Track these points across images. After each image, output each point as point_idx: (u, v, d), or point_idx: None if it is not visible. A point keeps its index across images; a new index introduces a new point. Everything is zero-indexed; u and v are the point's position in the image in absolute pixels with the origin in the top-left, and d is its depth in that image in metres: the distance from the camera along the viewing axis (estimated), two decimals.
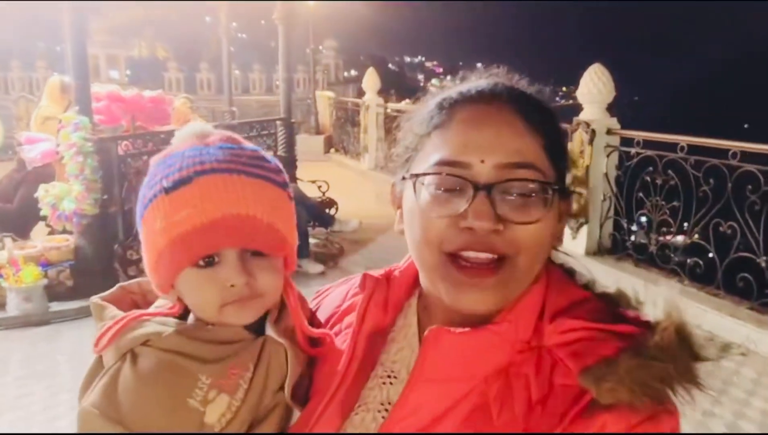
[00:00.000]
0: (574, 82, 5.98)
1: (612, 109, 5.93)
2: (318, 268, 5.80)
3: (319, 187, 7.64)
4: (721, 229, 4.79)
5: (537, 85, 0.83)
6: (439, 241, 0.76)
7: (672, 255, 5.25)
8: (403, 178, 0.83)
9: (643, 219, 5.58)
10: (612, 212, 5.79)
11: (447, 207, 0.75)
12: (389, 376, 0.83)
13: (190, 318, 0.88)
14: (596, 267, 5.22)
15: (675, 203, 5.21)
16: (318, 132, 14.54)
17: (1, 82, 15.37)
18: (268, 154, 0.90)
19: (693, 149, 5.09)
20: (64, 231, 5.34)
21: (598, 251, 5.79)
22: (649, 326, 0.71)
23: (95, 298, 0.90)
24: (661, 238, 5.39)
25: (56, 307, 4.86)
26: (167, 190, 0.81)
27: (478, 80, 0.84)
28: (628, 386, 0.66)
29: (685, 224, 5.19)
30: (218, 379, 0.81)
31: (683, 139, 5.17)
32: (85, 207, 5.00)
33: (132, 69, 18.52)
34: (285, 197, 0.87)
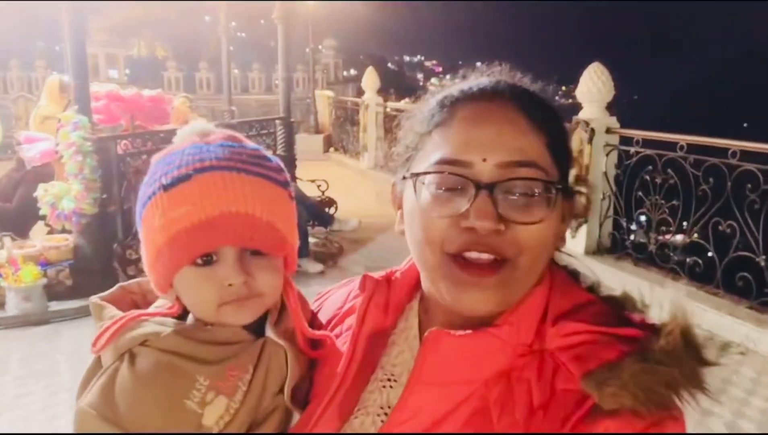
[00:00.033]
0: (574, 81, 5.98)
1: (611, 108, 5.93)
2: (317, 267, 5.80)
3: (319, 186, 7.64)
4: (720, 228, 4.79)
5: (540, 83, 0.82)
6: (440, 241, 0.75)
7: (671, 254, 5.25)
8: (404, 178, 0.81)
9: (643, 218, 5.58)
10: (611, 211, 5.79)
11: (448, 206, 0.74)
12: (389, 380, 0.82)
13: (190, 318, 0.87)
14: (595, 266, 5.20)
15: (674, 202, 5.21)
16: (317, 131, 14.54)
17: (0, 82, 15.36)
18: (270, 154, 0.89)
19: (692, 148, 5.09)
20: (64, 230, 5.33)
21: (597, 250, 5.79)
22: (654, 330, 0.70)
23: (94, 298, 0.90)
24: (660, 237, 5.39)
25: (55, 306, 4.85)
26: (166, 187, 0.80)
27: (480, 78, 0.82)
28: (632, 391, 0.65)
29: (685, 223, 5.19)
30: (216, 380, 0.80)
31: (683, 138, 5.17)
32: (84, 206, 4.99)
33: (131, 68, 18.50)
34: (285, 196, 0.86)
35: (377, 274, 0.89)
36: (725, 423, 3.38)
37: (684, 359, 0.67)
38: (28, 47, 18.76)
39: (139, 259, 0.89)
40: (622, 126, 5.82)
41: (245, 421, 0.81)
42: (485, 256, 0.73)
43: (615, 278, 5.01)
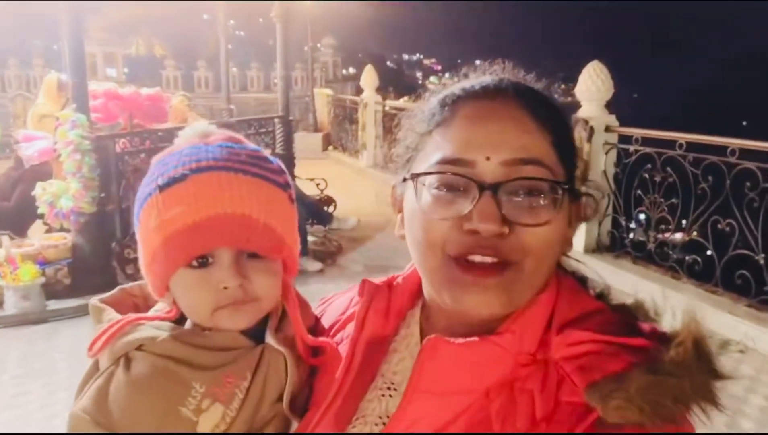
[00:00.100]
0: (573, 80, 5.97)
1: (610, 106, 5.93)
2: (316, 265, 5.79)
3: (318, 184, 7.64)
4: (719, 226, 4.80)
5: (544, 81, 0.80)
6: (441, 244, 0.72)
7: (670, 252, 5.25)
8: (404, 180, 0.79)
9: (642, 216, 5.58)
10: (610, 210, 5.79)
11: (450, 208, 0.71)
12: (389, 388, 0.79)
13: (188, 323, 0.85)
14: (595, 265, 5.17)
15: (673, 200, 5.21)
16: (316, 130, 14.53)
17: None
18: (271, 155, 0.87)
19: (692, 146, 5.09)
20: (62, 229, 5.33)
21: (596, 249, 5.79)
22: (664, 339, 0.66)
23: (94, 300, 0.88)
24: (659, 236, 5.39)
25: (54, 305, 4.85)
26: (161, 188, 0.78)
27: (483, 76, 0.80)
28: (638, 404, 0.61)
29: (684, 221, 5.20)
30: (213, 387, 0.78)
31: (682, 137, 5.17)
32: (82, 205, 4.99)
33: (129, 67, 18.45)
34: (285, 198, 0.83)
35: (378, 279, 0.87)
36: (724, 421, 3.37)
37: (695, 371, 0.63)
38: (26, 45, 18.73)
39: (137, 258, 0.88)
40: (622, 124, 5.83)
41: (242, 430, 0.79)
42: (489, 260, 0.70)
43: (614, 277, 4.98)
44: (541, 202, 0.71)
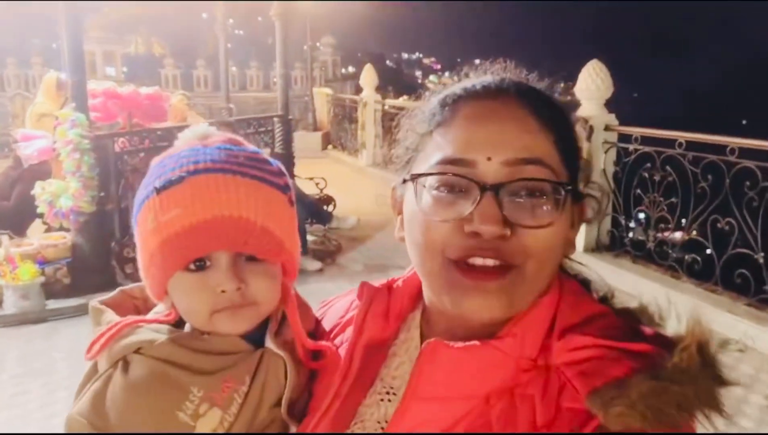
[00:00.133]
0: (572, 79, 5.97)
1: (610, 105, 5.93)
2: (316, 265, 5.79)
3: (317, 184, 7.64)
4: (719, 225, 4.79)
5: (547, 80, 0.79)
6: (441, 247, 0.71)
7: (670, 251, 5.25)
8: (404, 181, 0.77)
9: (641, 215, 5.58)
10: (610, 209, 5.78)
11: (450, 209, 0.70)
12: (388, 393, 0.78)
13: (187, 326, 0.84)
14: (594, 264, 5.19)
15: (673, 199, 5.21)
16: (315, 129, 14.53)
17: None
18: (271, 157, 0.86)
19: (691, 145, 5.09)
20: (61, 228, 5.32)
21: (596, 248, 5.79)
22: (668, 345, 0.64)
23: (94, 302, 0.87)
24: (659, 235, 5.39)
25: (53, 304, 4.84)
26: (158, 190, 0.78)
27: (484, 76, 0.78)
28: (640, 412, 0.60)
29: (683, 220, 5.19)
30: (211, 391, 0.77)
31: (681, 136, 5.17)
32: (82, 204, 4.98)
33: (128, 66, 18.43)
34: (284, 200, 0.82)
35: (377, 282, 0.85)
36: (723, 420, 3.37)
37: (700, 378, 0.62)
38: (25, 44, 18.69)
39: (136, 258, 0.87)
40: (623, 124, 5.82)
41: None
42: (490, 262, 0.69)
43: (614, 276, 5.01)
44: (544, 203, 0.70)
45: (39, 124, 6.22)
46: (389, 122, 10.05)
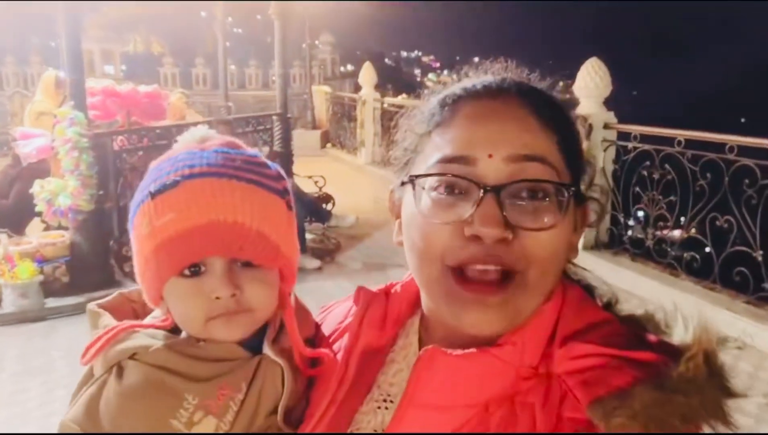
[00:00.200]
0: (571, 77, 5.96)
1: (609, 104, 5.93)
2: (315, 263, 5.79)
3: (316, 182, 7.64)
4: (717, 223, 4.80)
5: (548, 80, 0.77)
6: (441, 253, 0.68)
7: (669, 249, 5.26)
8: (402, 183, 0.75)
9: (640, 213, 5.58)
10: (609, 207, 5.78)
11: (450, 212, 0.68)
12: (385, 400, 0.76)
13: (183, 332, 0.83)
14: (593, 262, 5.23)
15: (672, 198, 5.21)
16: (314, 127, 14.51)
17: None
18: (269, 155, 0.85)
19: (690, 143, 5.09)
20: (60, 227, 5.32)
21: (595, 246, 5.79)
22: (673, 353, 0.62)
23: (92, 305, 0.86)
24: (658, 233, 5.40)
25: (52, 303, 4.84)
26: (153, 195, 0.76)
27: (484, 75, 0.77)
28: (643, 423, 0.58)
29: (682, 219, 5.20)
30: (206, 399, 0.76)
31: (680, 134, 5.17)
32: (80, 203, 4.98)
33: (127, 64, 18.43)
34: (281, 205, 0.80)
35: (375, 287, 0.84)
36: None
37: (706, 388, 0.59)
38: (24, 43, 18.65)
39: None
40: (622, 122, 5.82)
41: None
42: (491, 268, 0.67)
43: (612, 274, 5.01)
44: (546, 205, 0.68)
45: (38, 123, 6.21)
46: (388, 120, 10.05)
